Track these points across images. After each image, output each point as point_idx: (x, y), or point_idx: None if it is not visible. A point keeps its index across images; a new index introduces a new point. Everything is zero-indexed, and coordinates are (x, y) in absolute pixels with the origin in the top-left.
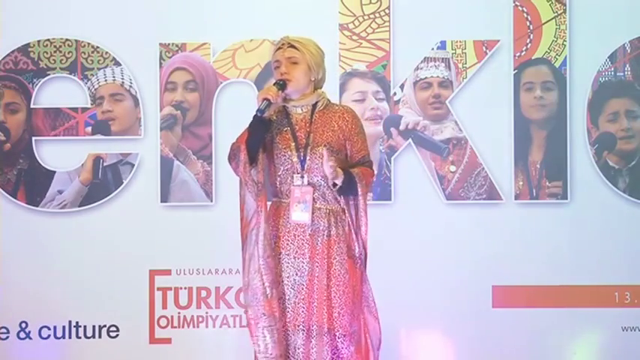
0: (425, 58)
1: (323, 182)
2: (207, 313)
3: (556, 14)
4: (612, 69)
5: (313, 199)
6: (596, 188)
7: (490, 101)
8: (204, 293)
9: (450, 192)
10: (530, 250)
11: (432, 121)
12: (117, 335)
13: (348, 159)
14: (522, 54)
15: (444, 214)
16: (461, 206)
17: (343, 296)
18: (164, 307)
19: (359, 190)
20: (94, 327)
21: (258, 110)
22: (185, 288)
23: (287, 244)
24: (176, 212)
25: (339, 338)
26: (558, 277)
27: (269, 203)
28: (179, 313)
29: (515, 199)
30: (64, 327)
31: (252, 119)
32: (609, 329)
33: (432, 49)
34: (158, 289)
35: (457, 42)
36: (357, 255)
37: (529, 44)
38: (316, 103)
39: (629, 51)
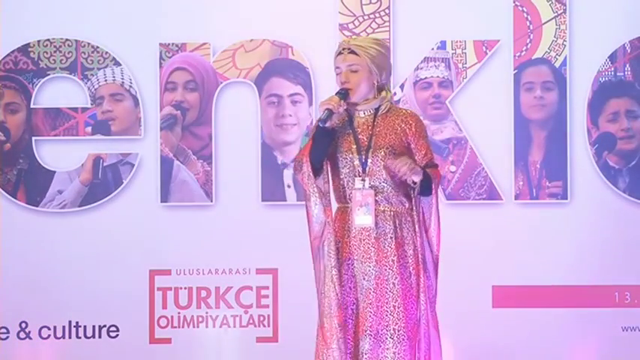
0: (425, 58)
1: (386, 184)
2: (207, 313)
3: (556, 14)
4: (612, 69)
5: (377, 201)
6: (596, 188)
7: (490, 101)
8: (204, 293)
9: (450, 192)
10: (530, 250)
11: (432, 121)
12: (117, 335)
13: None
14: (522, 54)
15: (444, 214)
16: (461, 206)
17: (405, 299)
18: (164, 307)
19: (433, 188)
20: (94, 327)
21: (319, 120)
22: (185, 288)
23: (354, 249)
24: (176, 212)
25: (396, 339)
26: (558, 277)
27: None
28: (179, 313)
29: (515, 199)
30: (64, 327)
31: (314, 130)
32: (609, 329)
33: (432, 49)
34: (158, 289)
35: (457, 42)
36: (423, 257)
37: (529, 44)
38: (379, 106)
39: (629, 51)
